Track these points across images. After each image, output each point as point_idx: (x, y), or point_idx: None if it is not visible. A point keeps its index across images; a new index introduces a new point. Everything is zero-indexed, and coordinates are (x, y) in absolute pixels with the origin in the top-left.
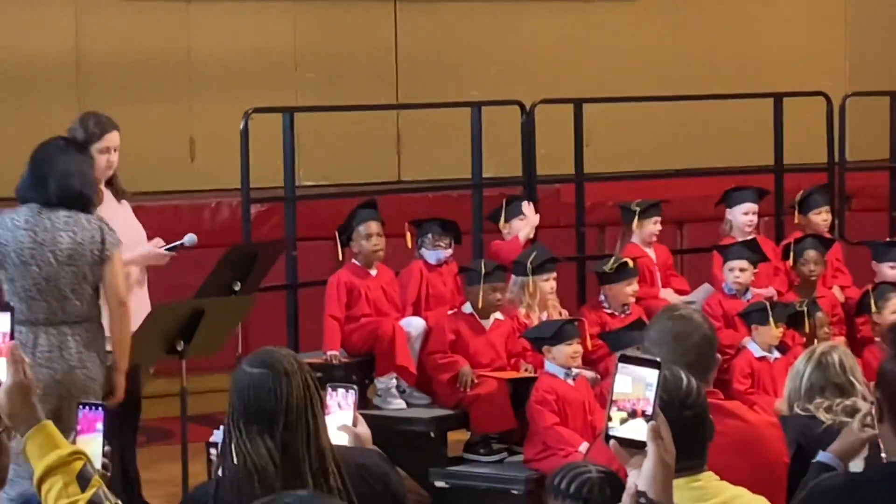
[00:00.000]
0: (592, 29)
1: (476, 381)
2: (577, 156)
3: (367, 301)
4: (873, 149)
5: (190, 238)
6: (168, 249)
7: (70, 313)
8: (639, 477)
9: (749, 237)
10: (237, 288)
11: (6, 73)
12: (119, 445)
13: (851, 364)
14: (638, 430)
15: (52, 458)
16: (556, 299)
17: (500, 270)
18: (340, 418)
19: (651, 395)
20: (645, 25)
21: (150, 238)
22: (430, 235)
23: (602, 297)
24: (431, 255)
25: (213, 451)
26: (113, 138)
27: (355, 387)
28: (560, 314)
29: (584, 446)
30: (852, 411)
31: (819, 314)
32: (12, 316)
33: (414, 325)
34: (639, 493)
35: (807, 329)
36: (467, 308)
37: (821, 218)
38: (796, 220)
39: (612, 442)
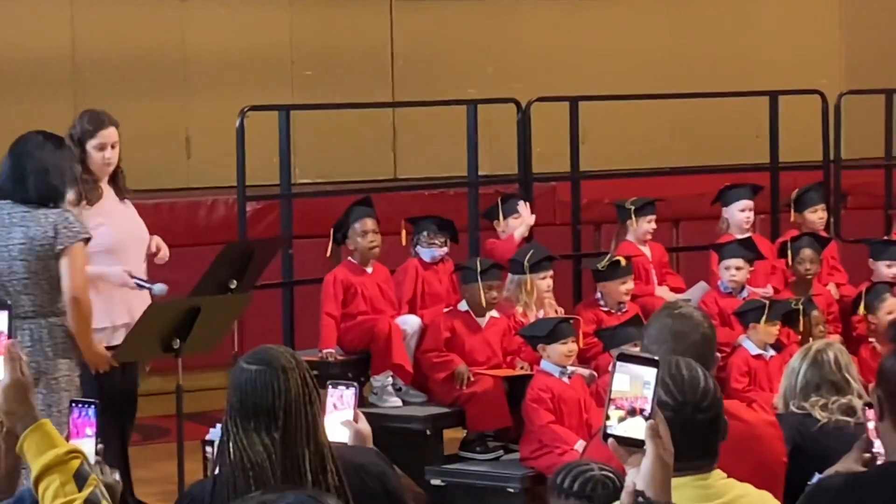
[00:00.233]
0: (588, 27)
1: (472, 378)
2: (572, 154)
3: (364, 299)
4: (869, 147)
5: (160, 288)
6: (137, 283)
7: (22, 308)
8: (637, 476)
9: (747, 234)
10: (233, 286)
11: (1, 70)
12: (121, 444)
13: (847, 361)
14: (636, 428)
15: (49, 457)
16: (552, 297)
17: (496, 269)
18: (341, 415)
19: (649, 393)
20: (641, 24)
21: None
22: (425, 233)
23: (598, 295)
24: (426, 253)
25: (208, 449)
26: (109, 134)
27: (356, 384)
28: (556, 312)
29: (580, 444)
30: (848, 410)
31: (815, 312)
32: (10, 314)
33: (410, 323)
34: (637, 492)
35: (802, 327)
36: (463, 306)
37: (817, 216)
38: (792, 219)
39: (610, 440)
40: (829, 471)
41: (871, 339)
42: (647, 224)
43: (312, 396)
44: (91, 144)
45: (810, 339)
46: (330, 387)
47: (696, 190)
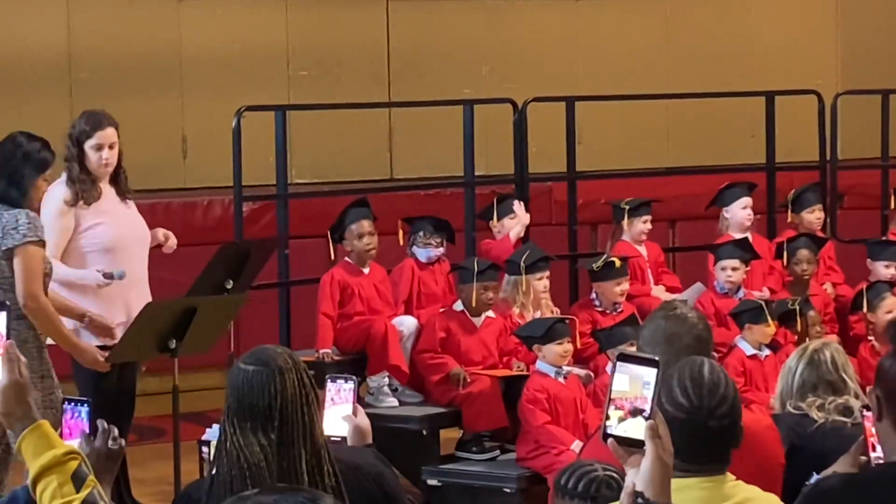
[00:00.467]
0: (584, 27)
1: (469, 379)
2: (569, 154)
3: (360, 299)
4: (865, 147)
5: (119, 272)
6: (105, 276)
7: None
8: (637, 476)
9: (747, 233)
10: (229, 286)
11: None
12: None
13: (843, 361)
14: (636, 428)
15: (46, 458)
16: (549, 298)
17: (492, 269)
18: (340, 410)
19: (649, 393)
20: (637, 24)
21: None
22: (421, 233)
23: (594, 296)
24: (422, 254)
25: (205, 449)
26: (106, 135)
27: (355, 378)
28: (553, 313)
29: (576, 444)
30: (845, 410)
31: (811, 312)
32: (8, 315)
33: (406, 323)
34: (636, 493)
35: (799, 327)
36: (458, 306)
37: (814, 216)
38: (789, 220)
39: (610, 441)
40: (827, 471)
41: (870, 338)
42: (643, 224)
43: (309, 397)
44: (88, 144)
45: (807, 339)
46: (329, 381)
47: (692, 190)
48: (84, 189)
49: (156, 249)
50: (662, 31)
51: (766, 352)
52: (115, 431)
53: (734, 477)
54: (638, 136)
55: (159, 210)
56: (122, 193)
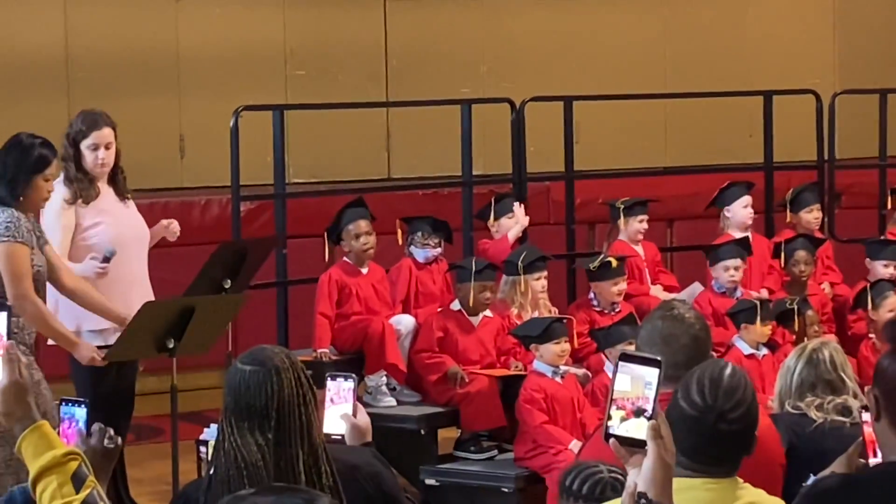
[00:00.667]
0: (582, 27)
1: (466, 378)
2: (566, 153)
3: (358, 299)
4: (862, 146)
5: (109, 249)
6: (100, 263)
7: None
8: (638, 476)
9: (748, 232)
10: (227, 286)
11: None
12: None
13: (842, 361)
14: (638, 428)
15: (46, 459)
16: (547, 298)
17: (490, 269)
18: (340, 409)
19: (651, 393)
20: (635, 23)
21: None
22: (419, 234)
23: (591, 295)
24: (420, 254)
25: (203, 448)
26: (102, 135)
27: (354, 375)
28: (551, 313)
29: (574, 444)
30: (843, 410)
31: (809, 312)
32: (9, 315)
33: (404, 322)
34: (638, 493)
35: (797, 327)
36: (455, 305)
37: (812, 216)
38: (788, 219)
39: (611, 441)
40: (825, 471)
41: (871, 336)
42: (639, 224)
43: (307, 397)
44: (84, 144)
45: (805, 338)
46: (329, 379)
47: (690, 189)
48: (82, 188)
49: (155, 249)
50: (660, 31)
51: (764, 351)
52: (111, 430)
53: (742, 481)
54: (636, 135)
55: (157, 209)
56: (121, 194)
